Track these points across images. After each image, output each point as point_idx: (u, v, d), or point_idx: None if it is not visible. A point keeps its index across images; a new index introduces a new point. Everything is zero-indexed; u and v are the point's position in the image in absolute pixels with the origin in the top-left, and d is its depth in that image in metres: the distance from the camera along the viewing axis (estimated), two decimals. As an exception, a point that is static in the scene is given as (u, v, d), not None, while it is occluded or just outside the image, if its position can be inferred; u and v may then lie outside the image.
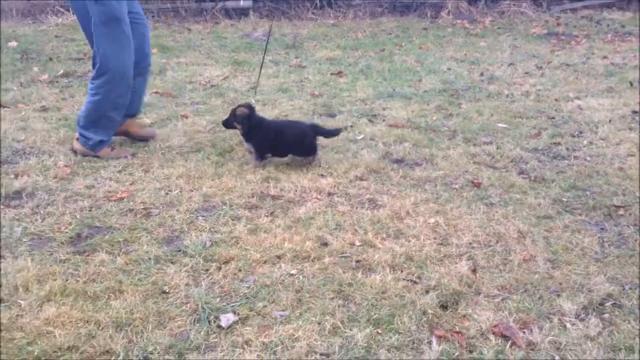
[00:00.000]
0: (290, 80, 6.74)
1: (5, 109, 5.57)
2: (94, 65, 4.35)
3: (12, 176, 4.03)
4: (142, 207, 3.65)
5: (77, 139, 4.50)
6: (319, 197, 3.82)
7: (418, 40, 9.08)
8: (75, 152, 4.48)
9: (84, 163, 4.30)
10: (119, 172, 4.18)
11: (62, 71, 6.87)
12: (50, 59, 7.47)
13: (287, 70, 7.21)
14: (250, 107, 4.28)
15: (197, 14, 10.16)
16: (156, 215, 3.56)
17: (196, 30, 9.46)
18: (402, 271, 3.00)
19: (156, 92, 6.20)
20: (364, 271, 3.00)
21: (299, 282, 2.91)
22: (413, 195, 3.82)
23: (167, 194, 3.84)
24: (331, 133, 4.47)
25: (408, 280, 2.93)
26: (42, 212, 3.55)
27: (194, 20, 10.01)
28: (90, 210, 3.59)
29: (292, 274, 2.97)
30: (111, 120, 4.46)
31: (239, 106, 4.30)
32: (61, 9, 9.83)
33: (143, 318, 2.63)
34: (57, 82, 6.56)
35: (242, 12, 10.35)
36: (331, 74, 7.03)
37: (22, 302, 2.71)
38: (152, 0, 10.14)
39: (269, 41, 5.43)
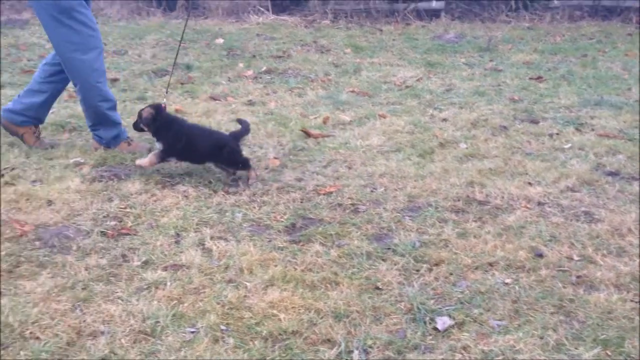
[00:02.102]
0: (487, 83, 6.58)
1: (217, 101, 5.97)
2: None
3: (228, 165, 4.30)
4: (350, 202, 3.73)
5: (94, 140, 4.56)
6: (528, 205, 3.69)
7: (623, 46, 8.48)
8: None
9: (291, 156, 4.49)
10: (324, 167, 4.31)
11: (264, 68, 7.24)
12: (254, 56, 7.90)
13: (482, 73, 7.06)
14: (157, 108, 4.05)
15: (389, 14, 10.26)
16: (364, 211, 3.63)
17: (387, 31, 9.55)
18: (628, 292, 2.81)
19: (352, 91, 6.34)
20: (585, 288, 2.85)
21: (514, 292, 2.83)
22: (634, 212, 3.56)
23: (372, 191, 3.90)
24: (244, 130, 4.15)
25: (636, 302, 2.73)
26: (258, 200, 3.76)
27: (385, 21, 10.12)
28: (301, 202, 3.73)
29: (507, 283, 2.90)
30: (103, 111, 4.41)
31: (145, 107, 4.13)
32: (261, 9, 10.37)
33: (360, 311, 2.69)
34: (260, 78, 6.92)
35: (434, 14, 10.29)
36: (530, 78, 6.77)
37: (247, 284, 2.88)
38: (346, 2, 10.37)
39: (184, 29, 4.95)
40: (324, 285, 2.89)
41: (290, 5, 10.70)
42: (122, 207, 3.61)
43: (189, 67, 7.28)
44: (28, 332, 2.52)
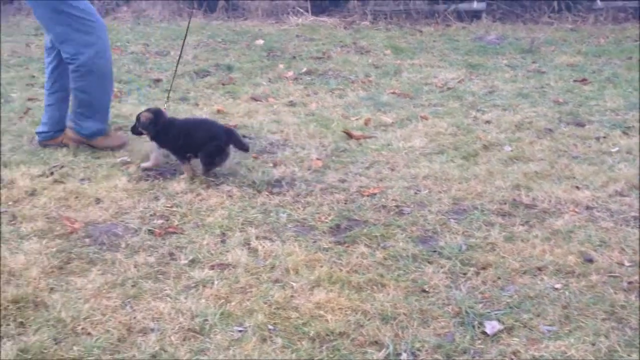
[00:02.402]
0: (530, 85, 6.49)
1: (258, 102, 6.00)
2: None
3: (271, 165, 4.33)
4: (394, 204, 3.72)
5: (71, 129, 4.56)
6: (576, 209, 3.62)
7: (671, 48, 8.28)
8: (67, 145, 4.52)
9: (333, 157, 4.49)
10: (367, 168, 4.30)
11: (305, 69, 7.25)
12: (294, 57, 7.92)
13: (525, 75, 6.96)
14: (156, 112, 4.07)
15: (429, 16, 10.19)
16: (408, 213, 3.61)
17: (428, 32, 9.49)
18: (682, 299, 2.74)
19: (393, 93, 6.31)
20: (637, 294, 2.79)
21: (565, 297, 2.78)
22: (686, 217, 3.48)
23: (416, 193, 3.88)
24: (242, 146, 4.12)
25: (691, 310, 2.67)
26: (302, 201, 3.77)
27: (425, 22, 10.05)
28: (345, 203, 3.73)
29: (556, 288, 2.85)
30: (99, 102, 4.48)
31: (144, 111, 4.12)
32: (301, 10, 10.40)
33: (407, 314, 2.68)
34: (301, 79, 6.94)
35: (474, 15, 10.19)
36: (574, 80, 6.65)
37: (294, 284, 2.89)
38: (385, 3, 10.34)
39: (188, 30, 4.97)
40: (370, 287, 2.88)
41: (329, 7, 10.70)
42: (169, 205, 3.66)
43: (229, 68, 7.34)
44: (80, 327, 2.57)
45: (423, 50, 8.34)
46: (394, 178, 4.12)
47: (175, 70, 5.16)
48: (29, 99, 5.94)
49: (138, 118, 4.09)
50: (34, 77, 6.87)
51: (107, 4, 11.06)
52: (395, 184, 4.01)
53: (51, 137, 4.57)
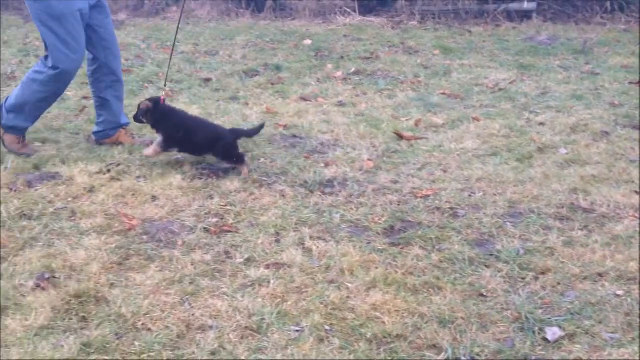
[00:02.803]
0: (584, 87, 6.35)
1: (308, 102, 6.02)
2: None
3: (322, 165, 4.33)
4: (448, 206, 3.68)
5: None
6: (636, 215, 3.53)
7: None
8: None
9: (385, 158, 4.47)
10: (419, 170, 4.27)
11: (353, 69, 7.24)
12: (342, 57, 7.92)
13: (578, 76, 6.82)
14: (155, 101, 4.24)
15: (478, 15, 10.08)
16: (463, 216, 3.57)
17: (477, 33, 9.38)
18: None
19: (443, 93, 6.25)
20: None
21: (627, 304, 2.72)
22: None
23: (470, 195, 3.83)
24: (252, 132, 4.42)
25: None
26: (355, 201, 3.76)
27: (474, 22, 9.94)
28: (398, 205, 3.71)
29: (618, 295, 2.79)
30: (35, 106, 4.44)
31: (144, 100, 4.34)
32: (348, 10, 10.39)
33: (465, 318, 2.65)
34: (349, 79, 6.93)
35: (525, 15, 10.03)
36: (630, 82, 6.49)
37: (349, 285, 2.88)
38: (434, 2, 10.26)
39: (178, 27, 5.11)
40: (427, 289, 2.86)
41: (377, 7, 10.67)
42: (223, 204, 3.69)
43: (278, 68, 7.37)
44: (140, 323, 2.61)
45: (473, 51, 8.25)
46: (447, 180, 4.08)
47: (170, 61, 5.22)
48: (84, 97, 6.06)
49: (139, 106, 4.30)
50: (88, 76, 7.01)
51: (157, 4, 11.23)
52: (449, 185, 3.97)
53: (104, 136, 4.69)
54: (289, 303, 2.75)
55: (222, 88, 6.56)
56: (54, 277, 2.89)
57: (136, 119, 4.36)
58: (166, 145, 4.22)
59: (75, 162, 4.28)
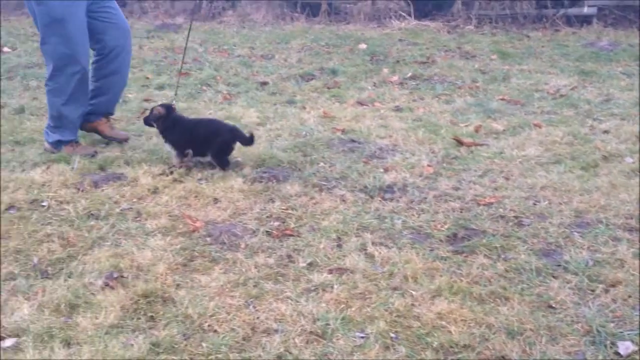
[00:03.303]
0: (649, 94, 6.17)
1: (364, 106, 6.01)
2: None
3: (382, 170, 4.30)
4: (513, 214, 3.61)
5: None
6: None
7: None
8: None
9: (445, 164, 4.42)
10: (480, 176, 4.20)
11: (410, 74, 7.20)
12: (397, 61, 7.88)
13: (643, 83, 6.63)
14: (167, 108, 4.33)
15: (536, 20, 9.89)
16: (528, 225, 3.50)
17: (535, 37, 9.22)
18: None
19: (502, 99, 6.16)
20: None
21: None
22: None
23: (535, 204, 3.76)
24: (246, 140, 4.31)
25: None
26: (416, 208, 3.73)
27: (532, 27, 9.78)
28: (461, 212, 3.66)
29: (695, 311, 2.68)
30: (67, 118, 4.56)
31: (158, 105, 4.41)
32: (403, 14, 10.34)
33: (534, 330, 2.59)
34: (406, 84, 6.89)
35: (584, 20, 9.81)
36: (698, 89, 6.28)
37: (413, 292, 2.86)
38: (491, 6, 10.13)
39: (189, 36, 5.30)
40: (493, 299, 2.80)
41: (432, 11, 10.59)
42: (284, 208, 3.70)
43: (334, 72, 7.38)
44: (206, 324, 2.63)
45: (531, 56, 8.11)
46: (510, 187, 4.00)
47: (180, 69, 5.22)
48: (145, 100, 6.19)
49: (151, 110, 4.40)
50: (148, 78, 7.16)
51: (213, 7, 11.38)
52: (512, 193, 3.90)
53: (87, 120, 4.83)
54: (353, 309, 2.74)
55: (279, 91, 6.61)
56: (122, 277, 2.94)
57: (146, 122, 4.47)
58: (179, 153, 4.30)
59: (138, 163, 4.36)
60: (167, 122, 4.31)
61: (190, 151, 4.30)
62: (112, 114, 4.98)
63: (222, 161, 4.25)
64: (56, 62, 4.41)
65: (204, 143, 4.27)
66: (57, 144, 4.59)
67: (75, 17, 4.37)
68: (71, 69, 4.41)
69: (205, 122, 4.60)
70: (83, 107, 4.65)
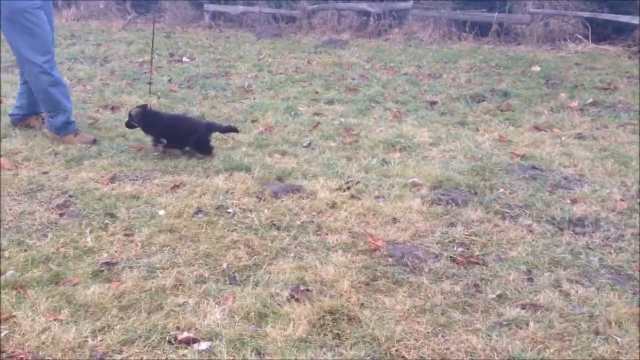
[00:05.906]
0: None
1: (542, 131, 5.71)
2: None
3: (569, 202, 4.03)
4: None
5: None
6: None
7: None
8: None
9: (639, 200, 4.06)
10: None
11: (590, 100, 6.77)
12: (576, 86, 7.46)
13: None
14: (143, 107, 4.89)
15: None
16: None
17: None
18: None
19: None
20: None
21: None
22: None
23: None
24: (228, 129, 5.08)
25: None
26: (613, 245, 3.43)
27: None
28: (665, 254, 3.32)
29: None
30: (52, 96, 4.93)
31: (134, 108, 4.98)
32: (580, 37, 9.80)
33: None
34: (586, 110, 6.48)
35: None
36: None
37: (618, 339, 2.60)
38: None
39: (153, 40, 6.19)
40: None
41: (611, 34, 9.95)
42: (467, 234, 3.55)
43: (506, 94, 7.11)
44: (394, 349, 2.54)
45: None
46: None
47: (151, 75, 5.06)
48: (315, 114, 6.27)
49: (130, 114, 4.96)
50: (317, 92, 7.27)
51: (380, 25, 11.44)
52: None
53: (20, 119, 5.37)
54: (551, 350, 2.53)
55: (449, 112, 6.45)
56: (308, 290, 2.93)
57: (128, 124, 5.02)
58: (155, 141, 4.90)
59: (314, 176, 4.39)
60: (145, 119, 4.87)
61: (164, 140, 4.88)
62: (37, 113, 5.40)
63: (201, 149, 4.81)
64: (21, 55, 4.88)
65: (184, 139, 4.83)
66: (64, 126, 5.04)
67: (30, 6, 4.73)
68: (36, 57, 4.83)
69: (181, 118, 5.23)
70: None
